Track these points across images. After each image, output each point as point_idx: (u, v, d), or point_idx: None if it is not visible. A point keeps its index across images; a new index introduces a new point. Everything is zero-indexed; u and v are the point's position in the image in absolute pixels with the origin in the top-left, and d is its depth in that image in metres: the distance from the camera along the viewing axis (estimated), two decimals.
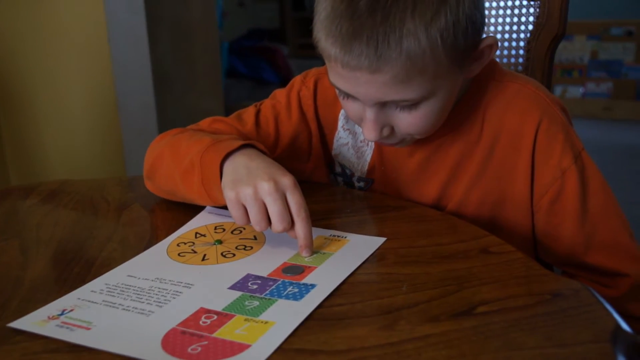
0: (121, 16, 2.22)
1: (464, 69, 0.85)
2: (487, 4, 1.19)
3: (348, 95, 0.85)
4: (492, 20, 1.20)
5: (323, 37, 0.80)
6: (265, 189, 0.77)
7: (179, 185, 0.92)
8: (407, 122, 0.85)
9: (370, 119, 0.84)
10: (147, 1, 2.21)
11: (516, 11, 1.18)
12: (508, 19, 1.19)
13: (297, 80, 1.08)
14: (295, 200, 0.77)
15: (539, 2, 1.16)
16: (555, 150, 0.89)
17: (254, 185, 0.77)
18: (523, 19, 1.18)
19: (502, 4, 1.19)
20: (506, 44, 1.20)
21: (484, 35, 0.85)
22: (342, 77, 0.81)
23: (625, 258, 0.89)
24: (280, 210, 0.76)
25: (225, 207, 0.83)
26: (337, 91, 0.88)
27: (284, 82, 4.74)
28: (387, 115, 0.85)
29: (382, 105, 0.83)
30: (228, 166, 0.83)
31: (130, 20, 2.22)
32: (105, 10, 2.23)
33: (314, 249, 0.78)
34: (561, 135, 0.89)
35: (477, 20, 0.80)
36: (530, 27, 1.17)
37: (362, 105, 0.85)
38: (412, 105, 0.82)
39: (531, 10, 1.17)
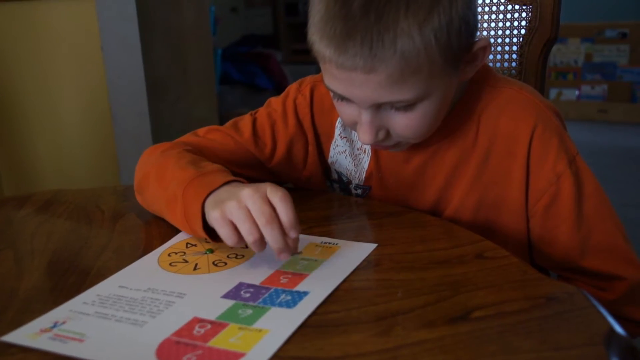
0: (114, 23, 2.22)
1: (459, 71, 0.85)
2: (479, 9, 1.20)
3: (343, 98, 0.85)
4: (485, 24, 1.21)
5: (317, 39, 0.80)
6: (246, 193, 0.74)
7: (163, 210, 0.90)
8: (403, 124, 0.85)
9: (365, 122, 0.84)
10: (139, 8, 2.21)
11: (508, 15, 1.18)
12: (500, 24, 1.19)
13: (292, 87, 1.08)
14: (278, 195, 0.74)
15: (531, 6, 1.16)
16: (550, 155, 0.89)
17: (236, 198, 0.75)
18: (515, 23, 1.18)
19: (494, 8, 1.20)
20: (499, 48, 1.20)
21: (478, 37, 0.85)
22: (337, 78, 0.81)
23: (620, 261, 0.89)
24: (260, 206, 0.73)
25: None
26: (331, 94, 0.88)
27: (277, 88, 4.75)
28: (383, 117, 0.84)
29: (377, 107, 0.83)
30: (210, 201, 0.80)
31: (123, 28, 2.22)
32: (98, 17, 2.22)
33: (306, 256, 0.79)
34: (555, 140, 0.89)
35: (470, 21, 0.81)
36: (523, 31, 1.17)
37: (357, 109, 0.85)
38: (407, 106, 0.82)
39: (523, 14, 1.17)
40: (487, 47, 0.86)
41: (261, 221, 0.72)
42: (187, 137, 1.05)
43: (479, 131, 0.93)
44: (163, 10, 2.39)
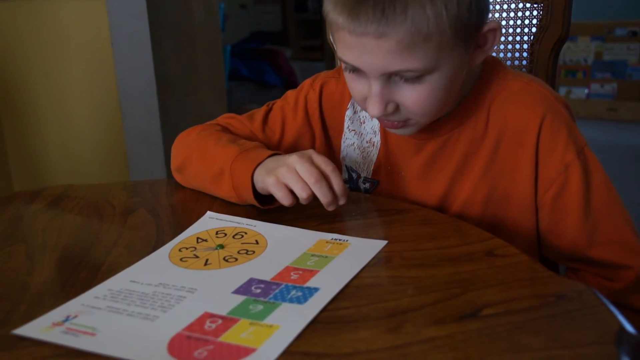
0: (124, 20, 2.23)
1: (468, 53, 0.86)
2: (490, 7, 1.19)
3: (354, 70, 0.87)
4: None
5: (331, 7, 0.83)
6: (293, 159, 0.87)
7: (208, 186, 1.01)
8: (412, 98, 0.86)
9: (375, 93, 0.85)
10: (149, 5, 2.21)
11: (519, 13, 1.18)
12: (512, 22, 1.19)
13: (306, 83, 1.12)
14: (322, 160, 0.88)
15: (542, 4, 1.16)
16: (559, 145, 0.89)
17: (286, 164, 0.87)
18: (527, 21, 1.18)
19: (505, 6, 1.20)
20: (510, 46, 1.20)
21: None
22: (349, 46, 0.83)
23: (628, 252, 0.89)
24: (308, 168, 0.85)
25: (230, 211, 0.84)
26: (343, 67, 0.90)
27: (286, 84, 4.75)
28: (392, 90, 0.86)
29: (387, 78, 0.84)
30: (259, 171, 0.91)
31: (133, 25, 2.22)
32: (109, 14, 2.23)
33: (317, 253, 0.79)
34: (564, 130, 0.90)
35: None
36: (534, 29, 1.17)
37: (368, 82, 0.86)
38: (416, 78, 0.83)
39: (534, 12, 1.17)
40: (497, 30, 0.87)
41: (310, 181, 0.85)
42: (211, 122, 1.12)
43: (489, 122, 0.94)
44: (173, 7, 2.40)
